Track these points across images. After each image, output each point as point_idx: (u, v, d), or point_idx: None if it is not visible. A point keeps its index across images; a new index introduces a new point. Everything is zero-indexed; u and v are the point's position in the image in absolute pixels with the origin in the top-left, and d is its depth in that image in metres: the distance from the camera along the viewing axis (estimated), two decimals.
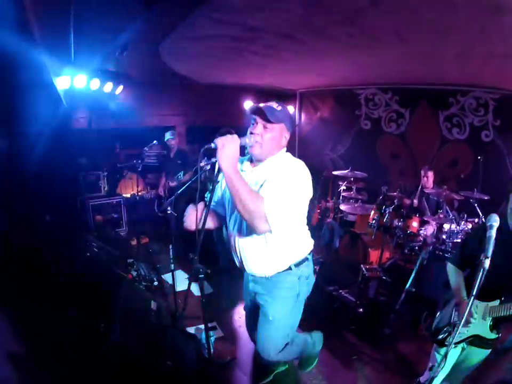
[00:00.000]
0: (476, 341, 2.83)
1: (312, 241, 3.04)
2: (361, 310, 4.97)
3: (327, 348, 4.52)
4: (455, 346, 2.95)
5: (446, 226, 5.76)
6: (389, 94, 8.38)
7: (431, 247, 5.49)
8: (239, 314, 5.15)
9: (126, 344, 3.30)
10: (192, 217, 2.70)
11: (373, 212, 6.54)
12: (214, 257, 6.23)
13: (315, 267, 4.10)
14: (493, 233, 2.19)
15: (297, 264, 2.85)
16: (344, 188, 7.82)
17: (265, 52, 5.16)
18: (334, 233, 7.15)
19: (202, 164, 2.46)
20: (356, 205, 7.14)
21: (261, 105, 2.66)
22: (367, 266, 5.25)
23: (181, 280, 5.68)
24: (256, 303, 3.07)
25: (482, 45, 4.19)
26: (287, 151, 2.83)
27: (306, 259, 2.92)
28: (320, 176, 8.29)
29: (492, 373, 3.79)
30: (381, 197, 6.78)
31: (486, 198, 5.87)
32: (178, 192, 4.48)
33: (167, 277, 5.75)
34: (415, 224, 6.00)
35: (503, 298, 2.69)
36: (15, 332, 3.19)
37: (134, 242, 7.27)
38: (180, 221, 5.37)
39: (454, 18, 3.39)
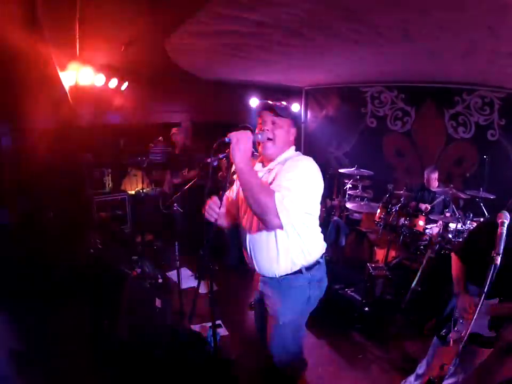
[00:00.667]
0: (474, 339, 2.81)
1: (324, 244, 2.99)
2: (367, 308, 4.95)
3: (332, 346, 4.52)
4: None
5: (452, 225, 5.73)
6: (394, 92, 8.33)
7: (437, 246, 5.47)
8: (244, 313, 5.14)
9: (130, 341, 3.29)
10: (213, 209, 2.66)
11: (379, 210, 6.51)
12: (221, 255, 6.24)
13: None
14: (504, 230, 2.17)
15: (309, 268, 2.79)
16: (350, 186, 7.78)
17: (272, 49, 5.13)
18: (340, 232, 7.12)
19: (209, 160, 2.43)
20: (361, 203, 7.13)
21: (270, 102, 2.67)
22: (373, 265, 5.24)
23: (186, 278, 5.68)
24: (263, 303, 3.03)
25: (489, 43, 4.15)
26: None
27: (318, 262, 2.87)
28: (326, 174, 8.23)
29: (498, 372, 3.77)
30: (387, 195, 6.75)
31: (491, 197, 5.83)
32: (184, 188, 4.47)
33: (172, 274, 5.75)
34: (421, 223, 5.96)
35: (502, 298, 2.68)
36: (17, 329, 3.18)
37: (138, 239, 7.26)
38: (185, 218, 5.38)
39: (461, 16, 3.36)
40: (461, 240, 3.30)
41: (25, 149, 4.49)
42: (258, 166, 2.85)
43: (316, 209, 2.77)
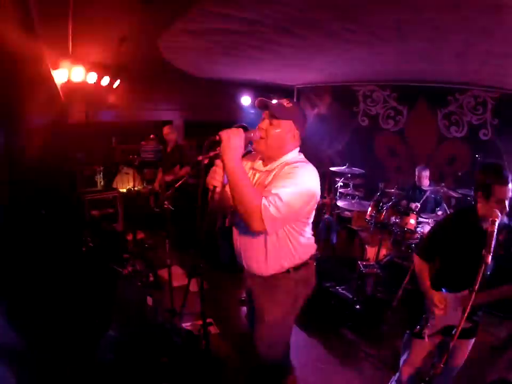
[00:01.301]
0: (450, 331, 2.84)
1: (315, 246, 2.97)
2: (358, 306, 4.97)
3: (324, 344, 4.53)
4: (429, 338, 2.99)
5: None
6: (387, 91, 8.36)
7: None
8: (236, 311, 5.15)
9: (121, 339, 3.29)
10: (219, 173, 2.46)
11: (370, 209, 6.52)
12: (212, 252, 6.24)
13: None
14: (495, 228, 2.19)
15: (296, 268, 2.77)
16: (341, 184, 7.78)
17: (265, 47, 5.13)
18: (331, 229, 7.14)
19: (200, 158, 2.41)
20: (353, 201, 7.15)
21: (274, 101, 2.64)
22: (364, 263, 5.27)
23: (177, 276, 5.67)
24: (252, 300, 3.03)
25: (482, 43, 4.17)
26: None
27: (306, 263, 2.84)
28: (317, 172, 8.19)
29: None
30: (378, 194, 6.77)
31: None
32: (175, 186, 4.47)
33: (163, 272, 5.75)
34: (412, 221, 5.98)
35: (471, 289, 2.72)
36: (7, 328, 3.16)
37: (129, 237, 7.25)
38: (176, 216, 5.37)
39: (454, 16, 3.37)
40: (421, 240, 3.32)
41: (16, 147, 4.47)
42: (258, 164, 2.80)
43: (309, 217, 2.74)
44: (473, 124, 7.15)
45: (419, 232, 5.98)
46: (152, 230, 7.56)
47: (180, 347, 3.81)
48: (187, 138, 9.49)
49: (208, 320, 4.63)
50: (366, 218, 6.57)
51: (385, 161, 8.66)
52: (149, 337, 3.65)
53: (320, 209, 7.85)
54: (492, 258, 2.14)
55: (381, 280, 5.30)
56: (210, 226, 5.46)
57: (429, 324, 2.98)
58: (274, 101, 2.63)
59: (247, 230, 2.58)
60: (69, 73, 5.87)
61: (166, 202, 4.63)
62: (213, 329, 4.63)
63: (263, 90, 9.30)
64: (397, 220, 6.04)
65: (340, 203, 7.24)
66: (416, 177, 6.68)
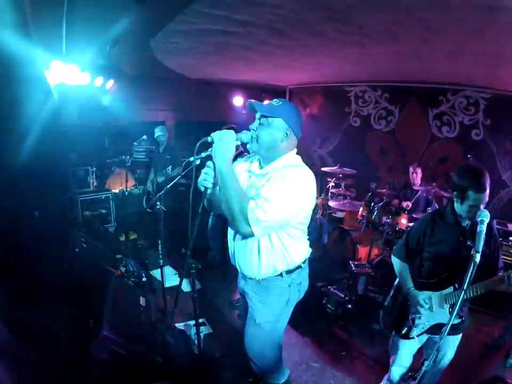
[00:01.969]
0: (438, 329, 2.86)
1: (309, 250, 2.96)
2: (350, 305, 5.00)
3: (316, 343, 4.55)
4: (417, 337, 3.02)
5: None
6: (378, 92, 8.41)
7: None
8: (228, 311, 5.16)
9: (115, 340, 3.29)
10: (209, 177, 2.44)
11: (361, 209, 6.56)
12: (204, 253, 6.25)
13: None
14: (484, 228, 2.21)
15: (289, 272, 2.76)
16: (333, 184, 7.82)
17: (256, 48, 5.14)
18: (322, 229, 7.17)
19: (191, 159, 2.42)
20: (344, 201, 7.19)
21: (265, 102, 2.64)
22: (356, 263, 5.29)
23: (170, 276, 5.68)
24: (246, 301, 3.04)
25: (474, 44, 4.19)
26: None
27: (299, 267, 2.83)
28: None
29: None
30: (369, 194, 6.80)
31: None
32: (167, 187, 4.47)
33: (156, 272, 5.76)
34: (403, 221, 6.01)
35: (456, 285, 2.75)
36: (1, 328, 3.16)
37: (122, 238, 7.24)
38: (168, 217, 5.37)
39: (446, 17, 3.40)
40: (398, 242, 3.34)
41: (9, 148, 4.46)
42: (255, 166, 2.76)
43: (304, 223, 2.72)
44: (465, 124, 7.21)
45: None
46: (145, 231, 7.56)
47: (173, 347, 3.82)
48: (179, 138, 9.48)
49: (201, 319, 4.65)
50: (358, 218, 6.60)
51: (377, 161, 8.71)
52: (142, 337, 3.65)
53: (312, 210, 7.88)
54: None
55: (372, 279, 5.32)
56: (202, 226, 5.46)
57: (416, 324, 3.00)
58: (265, 102, 2.64)
59: (240, 233, 2.59)
60: (62, 74, 5.85)
61: (158, 202, 4.63)
62: (205, 329, 4.64)
63: (255, 91, 9.32)
64: (388, 220, 6.06)
65: (331, 203, 7.27)
66: (410, 172, 6.70)
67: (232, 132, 2.37)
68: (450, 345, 3.04)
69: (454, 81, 6.96)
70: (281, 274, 2.74)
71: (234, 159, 2.48)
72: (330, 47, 5.01)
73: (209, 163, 2.41)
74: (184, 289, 5.13)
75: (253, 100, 2.56)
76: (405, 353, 3.27)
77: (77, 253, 4.96)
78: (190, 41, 4.94)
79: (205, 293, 5.42)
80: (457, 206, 2.84)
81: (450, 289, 2.80)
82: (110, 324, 3.36)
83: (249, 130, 2.58)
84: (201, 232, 5.92)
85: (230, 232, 2.87)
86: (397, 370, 3.37)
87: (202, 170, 2.47)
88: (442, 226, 2.93)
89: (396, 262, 3.26)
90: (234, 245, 2.83)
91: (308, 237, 2.93)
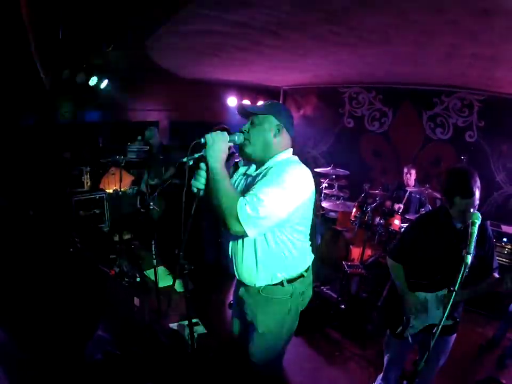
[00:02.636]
0: (432, 329, 2.88)
1: (311, 257, 2.86)
2: (343, 306, 5.02)
3: (309, 344, 4.56)
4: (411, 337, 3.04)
5: None
6: (372, 93, 8.44)
7: None
8: (222, 311, 5.16)
9: (109, 339, 3.30)
10: (202, 178, 2.43)
11: (354, 210, 6.57)
12: (198, 253, 6.25)
13: None
14: (476, 230, 2.22)
15: (291, 281, 2.66)
16: (326, 185, 7.84)
17: (251, 48, 5.15)
18: (315, 230, 7.17)
19: (184, 160, 2.40)
20: (337, 202, 7.19)
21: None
22: (349, 263, 5.31)
23: (163, 276, 5.69)
24: (242, 309, 2.91)
25: (468, 47, 4.20)
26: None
27: (301, 276, 2.73)
28: None
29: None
30: (363, 195, 6.82)
31: None
32: (160, 187, 4.48)
33: (150, 273, 5.76)
34: (396, 222, 6.03)
35: (451, 287, 2.76)
36: None
37: (116, 238, 7.24)
38: (162, 217, 5.37)
39: (440, 19, 3.41)
40: (393, 244, 3.35)
41: (3, 147, 4.45)
42: (251, 169, 2.70)
43: (302, 223, 2.62)
44: (458, 126, 7.25)
45: None
46: (139, 231, 7.55)
47: (167, 347, 3.82)
48: (173, 139, 9.47)
49: (194, 320, 4.66)
50: (351, 219, 6.60)
51: (370, 162, 8.75)
52: (136, 337, 3.66)
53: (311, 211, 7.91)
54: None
55: (365, 280, 5.34)
56: (195, 227, 5.46)
57: (410, 325, 3.02)
58: (242, 103, 2.64)
59: (237, 237, 2.55)
60: (57, 74, 5.85)
61: (151, 203, 4.64)
62: (199, 329, 4.64)
63: (249, 92, 9.32)
64: (382, 221, 6.08)
65: (324, 204, 7.27)
66: (404, 174, 6.73)
67: (225, 133, 2.35)
68: (444, 346, 3.06)
69: (448, 83, 6.99)
70: (282, 283, 2.65)
71: (226, 160, 2.47)
72: (325, 48, 5.02)
73: (202, 164, 2.39)
74: (178, 289, 5.14)
75: (243, 102, 2.57)
76: (399, 353, 3.29)
77: (71, 253, 4.95)
78: (185, 41, 4.94)
79: (199, 293, 5.42)
80: (448, 208, 2.86)
81: (445, 291, 2.83)
82: (104, 324, 3.36)
83: (242, 132, 2.56)
84: (195, 232, 5.92)
85: (226, 237, 2.79)
86: (391, 369, 3.38)
87: (195, 171, 2.46)
88: (436, 228, 2.94)
89: (391, 263, 3.27)
90: (231, 250, 2.75)
91: (310, 243, 2.85)
